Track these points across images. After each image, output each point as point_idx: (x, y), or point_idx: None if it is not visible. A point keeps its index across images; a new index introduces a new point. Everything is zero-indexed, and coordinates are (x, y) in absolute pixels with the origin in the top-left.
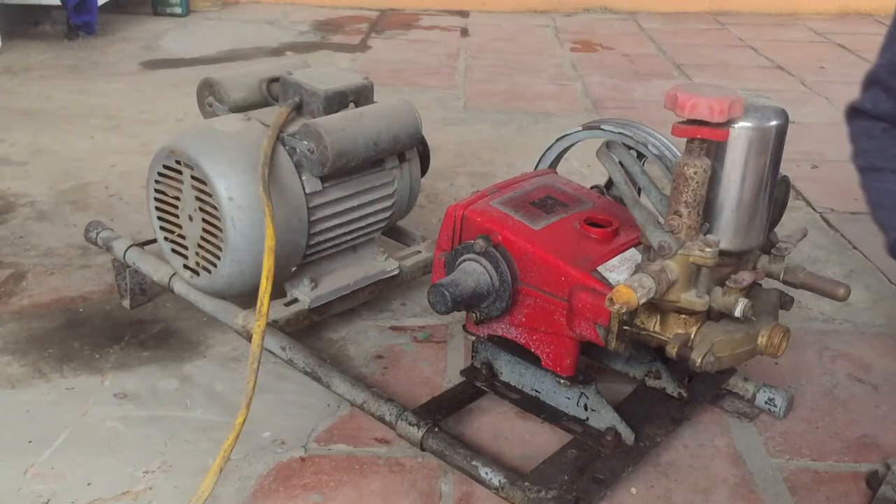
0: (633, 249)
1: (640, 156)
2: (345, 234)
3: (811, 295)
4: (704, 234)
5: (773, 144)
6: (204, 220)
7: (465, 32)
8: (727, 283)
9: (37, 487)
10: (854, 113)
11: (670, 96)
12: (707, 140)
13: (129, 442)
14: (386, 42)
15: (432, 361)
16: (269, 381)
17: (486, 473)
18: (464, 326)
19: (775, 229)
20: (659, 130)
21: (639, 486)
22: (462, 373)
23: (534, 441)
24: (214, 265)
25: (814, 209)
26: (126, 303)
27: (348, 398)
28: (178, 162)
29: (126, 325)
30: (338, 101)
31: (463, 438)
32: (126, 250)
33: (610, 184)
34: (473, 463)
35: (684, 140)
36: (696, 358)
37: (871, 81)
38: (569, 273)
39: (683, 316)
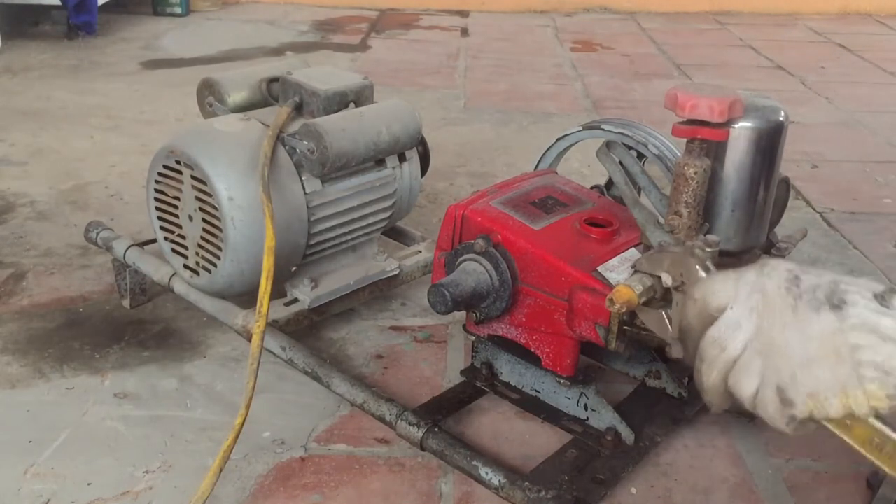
0: (633, 249)
1: (640, 156)
2: (345, 233)
3: None
4: (704, 234)
5: (773, 144)
6: (204, 220)
7: (465, 32)
8: None
9: (37, 487)
10: None
11: (670, 96)
12: (707, 140)
13: (129, 442)
14: (386, 42)
15: (432, 361)
16: (269, 381)
17: (486, 473)
18: (464, 326)
19: (775, 229)
20: (659, 130)
21: (639, 486)
22: (462, 373)
23: (534, 441)
24: (214, 265)
25: (814, 209)
26: (126, 303)
27: (348, 398)
28: (178, 162)
29: (126, 325)
30: (338, 101)
31: (463, 438)
32: (126, 250)
33: (610, 184)
34: (473, 463)
35: (684, 140)
36: None
37: None
38: (569, 273)
39: None
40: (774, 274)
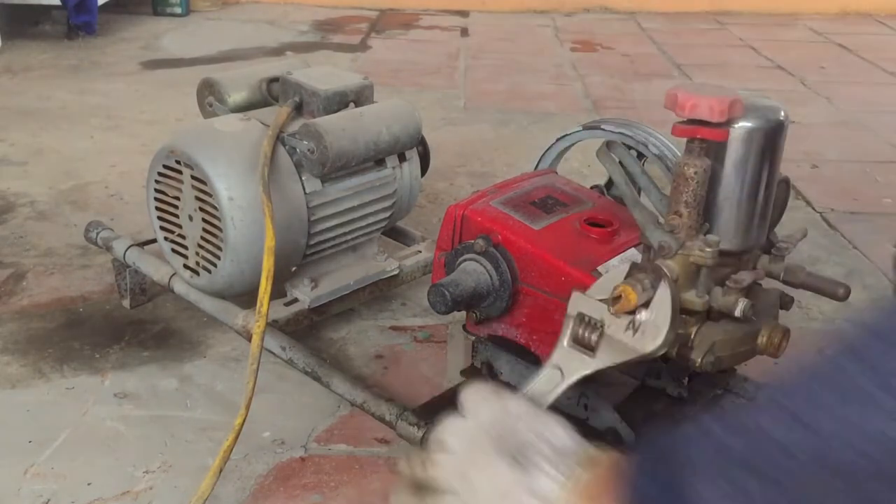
0: (633, 249)
1: (640, 156)
2: (345, 233)
3: (811, 295)
4: (704, 234)
5: (773, 144)
6: (204, 220)
7: (465, 32)
8: (727, 283)
9: (37, 487)
10: None
11: (670, 96)
12: (707, 140)
13: (129, 442)
14: (386, 42)
15: (432, 361)
16: (269, 381)
17: None
18: (464, 326)
19: (775, 229)
20: (659, 130)
21: None
22: (462, 373)
23: None
24: (214, 265)
25: (814, 209)
26: (126, 303)
27: (348, 398)
28: (178, 162)
29: (126, 325)
30: (338, 101)
31: None
32: (126, 250)
33: (610, 184)
34: None
35: (684, 140)
36: (696, 358)
37: None
38: (569, 273)
39: (683, 316)
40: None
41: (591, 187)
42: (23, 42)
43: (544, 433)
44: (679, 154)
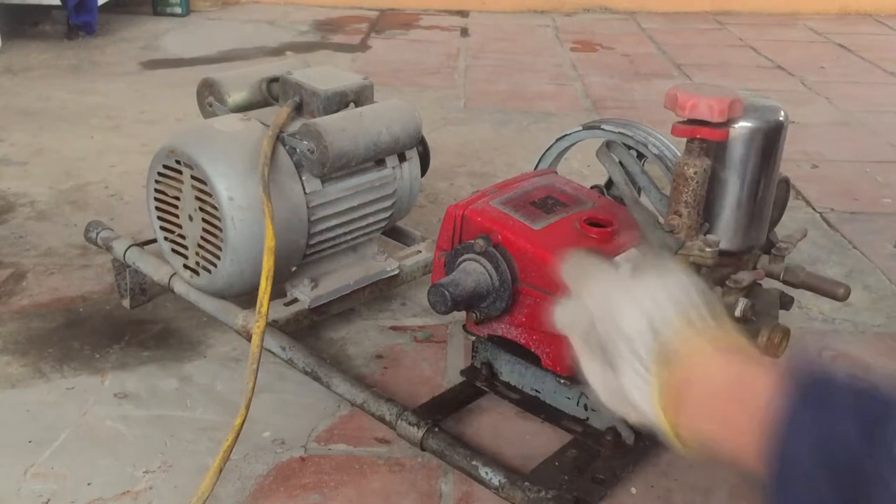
0: (633, 249)
1: (640, 156)
2: (345, 233)
3: (811, 295)
4: (704, 234)
5: (773, 144)
6: (204, 219)
7: (465, 32)
8: (727, 283)
9: (37, 487)
10: None
11: (670, 96)
12: (707, 140)
13: (129, 442)
14: (386, 42)
15: (432, 361)
16: (269, 381)
17: (486, 473)
18: (464, 326)
19: (775, 229)
20: (659, 130)
21: (639, 486)
22: (462, 373)
23: (534, 441)
24: (214, 265)
25: (814, 209)
26: (126, 303)
27: (348, 398)
28: (178, 162)
29: (126, 325)
30: (338, 101)
31: (463, 438)
32: (126, 250)
33: (610, 184)
34: (473, 463)
35: (684, 140)
36: None
37: None
38: None
39: None
40: None
41: (591, 187)
42: (23, 42)
43: (622, 329)
44: (679, 154)
